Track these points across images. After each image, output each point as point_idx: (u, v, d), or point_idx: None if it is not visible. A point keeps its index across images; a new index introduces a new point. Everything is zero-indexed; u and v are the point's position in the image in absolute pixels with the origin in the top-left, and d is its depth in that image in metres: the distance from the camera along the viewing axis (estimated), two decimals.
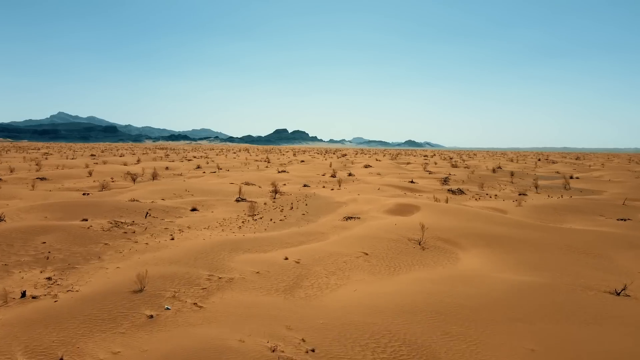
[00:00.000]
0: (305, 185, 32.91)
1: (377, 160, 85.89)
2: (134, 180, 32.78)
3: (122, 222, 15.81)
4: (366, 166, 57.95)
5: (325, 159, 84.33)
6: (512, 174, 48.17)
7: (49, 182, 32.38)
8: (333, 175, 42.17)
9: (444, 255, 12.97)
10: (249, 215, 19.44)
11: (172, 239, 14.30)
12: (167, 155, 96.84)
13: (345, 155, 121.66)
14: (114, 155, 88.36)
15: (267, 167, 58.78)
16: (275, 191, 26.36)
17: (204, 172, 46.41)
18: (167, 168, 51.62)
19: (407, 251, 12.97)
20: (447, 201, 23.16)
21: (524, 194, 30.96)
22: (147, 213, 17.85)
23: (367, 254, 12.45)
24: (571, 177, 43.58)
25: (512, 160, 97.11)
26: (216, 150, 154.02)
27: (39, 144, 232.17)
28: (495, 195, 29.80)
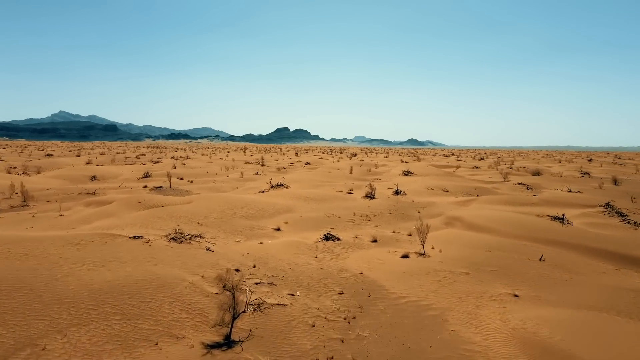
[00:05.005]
0: (327, 238, 13.22)
1: (403, 161, 66.12)
2: None
3: None
4: (406, 173, 38.34)
5: (337, 161, 64.53)
6: None
7: None
8: (370, 196, 22.60)
9: None
10: None
11: None
12: (142, 155, 77.12)
13: (356, 154, 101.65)
14: (80, 155, 68.78)
15: (257, 173, 39.19)
16: (234, 311, 6.82)
17: (145, 186, 26.91)
18: (93, 177, 32.00)
19: None
20: None
21: None
22: None
23: None
24: None
25: (560, 162, 76.36)
26: (209, 149, 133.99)
27: (21, 142, 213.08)
28: None
